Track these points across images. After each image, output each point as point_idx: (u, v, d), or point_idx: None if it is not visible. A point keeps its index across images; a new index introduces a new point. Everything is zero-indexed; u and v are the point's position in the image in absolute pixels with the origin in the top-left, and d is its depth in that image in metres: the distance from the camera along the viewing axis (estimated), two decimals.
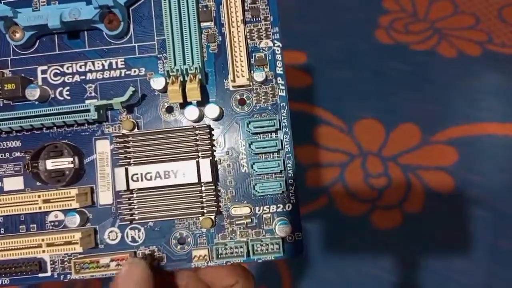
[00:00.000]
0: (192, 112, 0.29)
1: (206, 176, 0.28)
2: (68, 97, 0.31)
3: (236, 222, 0.30)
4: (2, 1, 0.31)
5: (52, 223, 0.30)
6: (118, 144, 0.29)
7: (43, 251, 0.28)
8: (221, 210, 0.30)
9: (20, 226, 0.30)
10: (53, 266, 0.30)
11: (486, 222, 0.70)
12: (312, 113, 0.78)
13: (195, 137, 0.29)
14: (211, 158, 0.29)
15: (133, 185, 0.28)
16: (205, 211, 0.29)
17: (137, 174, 0.28)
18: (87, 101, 0.30)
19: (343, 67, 0.80)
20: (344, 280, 0.69)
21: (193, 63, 0.29)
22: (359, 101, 0.78)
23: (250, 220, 0.30)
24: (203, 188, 0.29)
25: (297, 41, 0.83)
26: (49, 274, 0.30)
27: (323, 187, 0.74)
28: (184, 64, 0.29)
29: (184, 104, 0.29)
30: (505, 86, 0.77)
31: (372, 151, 0.76)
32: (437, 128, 0.75)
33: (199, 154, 0.29)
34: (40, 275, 0.30)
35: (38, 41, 0.31)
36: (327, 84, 0.79)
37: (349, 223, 0.72)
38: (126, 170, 0.28)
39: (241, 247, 0.29)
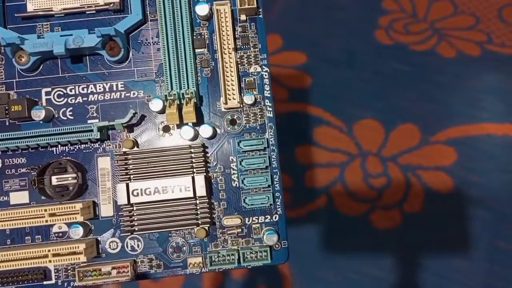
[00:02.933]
0: (187, 132, 0.32)
1: (201, 191, 0.31)
2: (71, 117, 0.33)
3: (228, 232, 0.33)
4: (8, 27, 0.33)
5: (56, 234, 0.32)
6: (119, 162, 0.31)
7: (49, 261, 0.30)
8: (214, 221, 0.33)
9: (26, 237, 0.33)
10: (57, 274, 0.32)
11: (485, 222, 0.71)
12: (312, 113, 0.78)
13: (190, 154, 0.32)
14: (205, 174, 0.32)
15: (133, 200, 0.31)
16: (199, 222, 0.32)
17: (137, 189, 0.31)
18: (90, 121, 0.33)
19: (343, 67, 0.81)
20: (344, 280, 0.70)
21: (188, 88, 0.32)
22: (359, 101, 0.78)
23: (240, 230, 0.33)
24: (198, 202, 0.32)
25: (297, 41, 0.83)
26: (53, 282, 0.32)
27: (323, 187, 0.75)
28: (180, 88, 0.32)
29: (180, 124, 0.32)
30: (505, 86, 0.78)
31: (371, 151, 0.76)
32: (436, 128, 0.76)
33: (194, 170, 0.32)
34: (45, 282, 0.32)
35: (42, 64, 0.33)
36: (327, 84, 0.80)
37: (349, 223, 0.73)
38: (127, 185, 0.31)
39: (232, 254, 0.32)
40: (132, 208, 0.31)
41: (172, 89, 0.32)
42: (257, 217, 0.33)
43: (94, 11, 0.33)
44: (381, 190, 0.74)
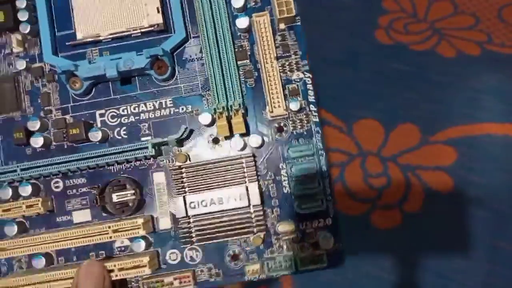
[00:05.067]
0: (237, 143, 0.33)
1: (255, 199, 0.32)
2: (125, 136, 0.34)
3: (283, 238, 0.33)
4: (60, 55, 0.35)
5: (119, 249, 0.34)
6: (174, 176, 0.33)
7: (116, 276, 0.32)
8: (269, 228, 0.33)
9: (90, 253, 0.34)
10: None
11: (485, 222, 0.69)
12: None
13: (242, 164, 0.33)
14: (257, 182, 0.32)
15: (191, 212, 0.32)
16: (255, 230, 0.32)
17: (193, 202, 0.32)
18: (143, 139, 0.34)
19: (343, 68, 0.80)
20: (344, 280, 0.70)
21: (235, 99, 0.32)
22: (358, 101, 0.77)
23: (295, 235, 0.33)
24: (252, 210, 0.32)
25: None
26: None
27: None
28: (227, 100, 0.33)
29: (229, 136, 0.33)
30: (505, 86, 0.77)
31: (371, 151, 0.76)
32: (436, 128, 0.75)
33: (246, 179, 0.33)
34: None
35: (94, 88, 0.35)
36: (327, 84, 0.79)
37: (349, 223, 0.72)
38: (184, 198, 0.32)
39: (289, 260, 0.32)
40: (189, 219, 0.32)
41: (219, 101, 0.32)
42: (310, 222, 0.33)
43: (140, 33, 0.34)
44: (381, 190, 0.73)
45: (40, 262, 0.33)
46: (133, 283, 0.34)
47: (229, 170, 0.32)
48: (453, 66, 0.79)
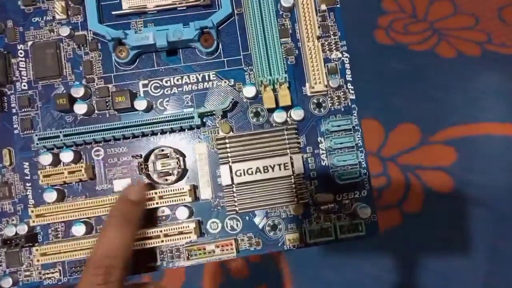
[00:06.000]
0: (281, 115, 0.34)
1: (299, 169, 0.33)
2: (168, 107, 0.35)
3: (321, 208, 0.35)
4: (104, 24, 0.35)
5: (160, 218, 0.34)
6: (219, 145, 0.33)
7: (162, 241, 0.32)
8: (308, 198, 0.35)
9: None
10: (162, 256, 0.34)
11: (485, 222, 0.71)
12: None
13: (285, 136, 0.34)
14: (301, 154, 0.34)
15: (236, 180, 0.33)
16: (297, 199, 0.33)
17: (240, 170, 0.33)
18: (186, 110, 0.35)
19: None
20: (344, 280, 0.71)
21: (279, 74, 0.34)
22: (358, 101, 0.79)
23: (332, 205, 0.35)
24: (294, 180, 0.34)
25: None
26: (158, 263, 0.34)
27: None
28: (271, 75, 0.34)
29: (273, 109, 0.34)
30: (505, 86, 0.79)
31: (371, 151, 0.77)
32: (436, 128, 0.77)
33: (289, 151, 0.34)
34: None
35: (138, 59, 0.35)
36: None
37: None
38: (230, 167, 0.33)
39: (329, 228, 0.34)
40: (233, 188, 0.33)
41: (263, 75, 0.34)
42: (347, 193, 0.35)
43: (185, 7, 0.35)
44: (381, 190, 0.74)
45: (80, 229, 0.33)
46: (173, 251, 0.34)
47: (273, 142, 0.34)
48: (453, 66, 0.80)
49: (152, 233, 0.32)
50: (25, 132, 0.34)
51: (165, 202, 0.32)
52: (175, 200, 0.32)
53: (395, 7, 0.87)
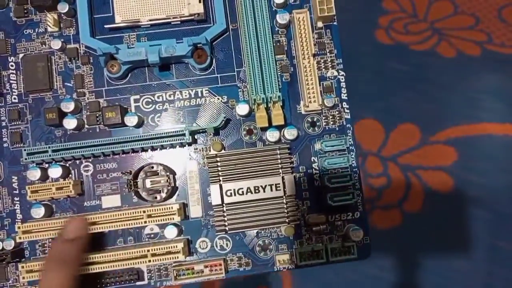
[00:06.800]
0: (274, 134, 0.33)
1: (291, 189, 0.33)
2: (159, 123, 0.34)
3: (313, 229, 0.34)
4: (96, 37, 0.34)
5: (149, 236, 0.34)
6: (210, 164, 0.33)
7: (148, 261, 0.31)
8: (299, 219, 0.34)
9: (118, 240, 0.34)
10: (150, 274, 0.33)
11: (485, 222, 0.71)
12: None
13: (277, 156, 0.33)
14: (293, 174, 0.33)
15: (226, 200, 0.32)
16: (288, 220, 0.33)
17: (230, 189, 0.32)
18: (178, 126, 0.34)
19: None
20: (344, 280, 0.71)
21: (272, 92, 0.33)
22: (359, 101, 0.77)
23: (325, 226, 0.34)
24: (285, 200, 0.33)
25: None
26: (146, 282, 0.33)
27: None
28: (264, 93, 0.33)
29: (265, 127, 0.34)
30: (505, 86, 0.78)
31: (371, 151, 0.77)
32: (436, 128, 0.77)
33: (281, 170, 0.33)
34: (138, 283, 0.33)
35: (130, 73, 0.35)
36: None
37: None
38: (220, 186, 0.32)
39: (320, 250, 0.33)
40: (223, 208, 0.33)
41: (256, 93, 0.33)
42: (339, 215, 0.34)
43: (179, 22, 0.35)
44: (381, 190, 0.74)
45: None
46: (161, 270, 0.33)
47: (265, 161, 0.33)
48: (453, 66, 0.80)
49: (139, 252, 0.31)
50: (15, 146, 0.34)
51: (154, 221, 0.32)
52: (163, 220, 0.32)
53: (396, 6, 0.86)
